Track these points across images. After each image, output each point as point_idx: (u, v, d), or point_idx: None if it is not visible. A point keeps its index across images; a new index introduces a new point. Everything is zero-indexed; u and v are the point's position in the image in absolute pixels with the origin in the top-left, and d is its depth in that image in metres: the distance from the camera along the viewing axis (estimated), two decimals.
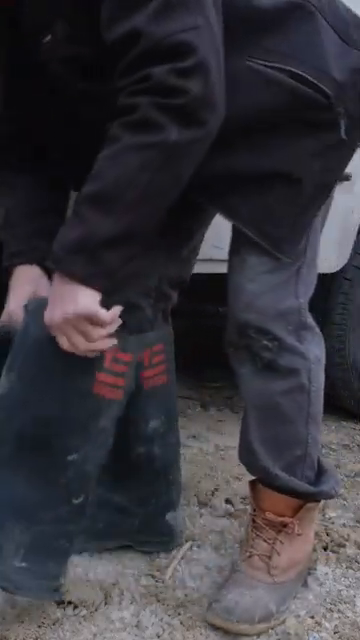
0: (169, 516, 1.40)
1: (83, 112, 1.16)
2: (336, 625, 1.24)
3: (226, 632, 1.19)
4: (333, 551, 1.48)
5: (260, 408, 1.27)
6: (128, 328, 1.16)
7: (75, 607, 1.22)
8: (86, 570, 1.34)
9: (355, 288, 2.16)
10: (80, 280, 1.02)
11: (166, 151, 0.98)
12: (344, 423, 2.31)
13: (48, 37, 1.06)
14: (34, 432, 1.13)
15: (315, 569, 1.40)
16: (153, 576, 1.34)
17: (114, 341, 1.10)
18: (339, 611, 1.29)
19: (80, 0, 1.02)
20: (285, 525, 1.29)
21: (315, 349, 1.27)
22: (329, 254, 1.96)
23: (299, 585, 1.33)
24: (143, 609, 1.24)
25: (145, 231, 1.04)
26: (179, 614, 1.23)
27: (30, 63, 1.12)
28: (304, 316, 1.25)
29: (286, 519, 1.29)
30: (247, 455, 1.30)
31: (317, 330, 1.29)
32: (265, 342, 1.22)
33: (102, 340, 1.08)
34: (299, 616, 1.26)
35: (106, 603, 1.25)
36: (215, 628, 1.20)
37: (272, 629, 1.22)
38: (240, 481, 1.74)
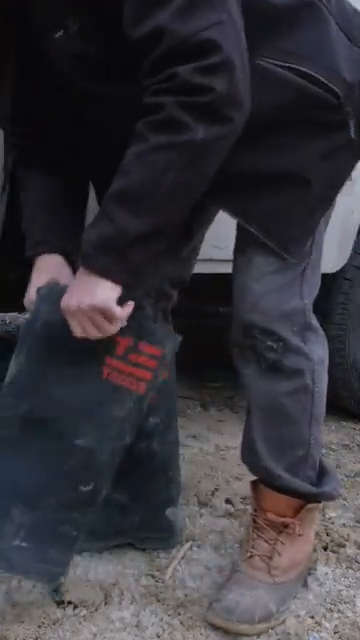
0: (169, 512, 1.40)
1: (88, 111, 1.16)
2: (336, 625, 1.24)
3: (226, 632, 1.19)
4: (333, 551, 1.48)
5: (264, 409, 1.27)
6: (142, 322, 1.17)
7: (75, 607, 1.22)
8: (86, 570, 1.34)
9: (355, 288, 2.16)
10: (105, 275, 1.05)
11: (192, 150, 0.99)
12: (344, 423, 2.31)
13: (60, 32, 1.06)
14: (41, 415, 1.15)
15: (315, 569, 1.40)
16: (153, 576, 1.34)
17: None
18: (339, 611, 1.29)
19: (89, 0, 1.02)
20: (286, 526, 1.29)
21: (319, 350, 1.27)
22: (329, 254, 1.95)
23: (299, 585, 1.33)
24: (143, 609, 1.24)
25: (170, 229, 1.06)
26: (179, 614, 1.23)
27: (37, 63, 1.13)
28: (309, 317, 1.25)
29: (287, 520, 1.29)
30: (250, 455, 1.30)
31: (321, 331, 1.29)
32: (270, 343, 1.21)
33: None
34: (299, 616, 1.26)
35: (106, 603, 1.25)
36: (215, 628, 1.20)
37: (272, 629, 1.22)
38: (240, 481, 1.74)
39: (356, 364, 2.21)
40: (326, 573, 1.40)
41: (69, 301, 1.08)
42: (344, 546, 1.49)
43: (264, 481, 1.30)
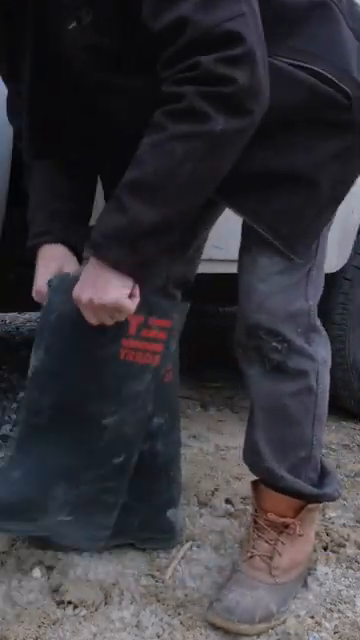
0: (170, 513, 1.41)
1: (101, 103, 1.15)
2: (336, 625, 1.24)
3: (226, 632, 1.19)
4: (333, 551, 1.48)
5: (267, 409, 1.27)
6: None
7: (75, 607, 1.22)
8: (86, 570, 1.34)
9: (355, 288, 2.16)
10: (116, 267, 1.04)
11: (211, 141, 0.98)
12: (344, 423, 2.31)
13: (73, 23, 1.05)
14: (67, 401, 1.20)
15: (315, 569, 1.40)
16: (153, 576, 1.34)
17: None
18: (339, 611, 1.29)
19: None
20: (287, 526, 1.29)
21: (322, 351, 1.27)
22: (329, 254, 1.94)
23: (299, 585, 1.33)
24: (143, 609, 1.24)
25: (184, 222, 1.05)
26: (179, 614, 1.23)
27: (51, 54, 1.12)
28: (313, 318, 1.25)
29: (288, 520, 1.29)
30: (252, 456, 1.30)
31: (324, 332, 1.29)
32: (275, 344, 1.21)
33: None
34: (299, 616, 1.26)
35: (106, 603, 1.25)
36: (215, 628, 1.20)
37: (272, 629, 1.22)
38: (240, 481, 1.74)
39: (356, 364, 2.21)
40: (326, 573, 1.40)
41: (81, 295, 1.09)
42: (344, 546, 1.49)
43: (266, 482, 1.30)
